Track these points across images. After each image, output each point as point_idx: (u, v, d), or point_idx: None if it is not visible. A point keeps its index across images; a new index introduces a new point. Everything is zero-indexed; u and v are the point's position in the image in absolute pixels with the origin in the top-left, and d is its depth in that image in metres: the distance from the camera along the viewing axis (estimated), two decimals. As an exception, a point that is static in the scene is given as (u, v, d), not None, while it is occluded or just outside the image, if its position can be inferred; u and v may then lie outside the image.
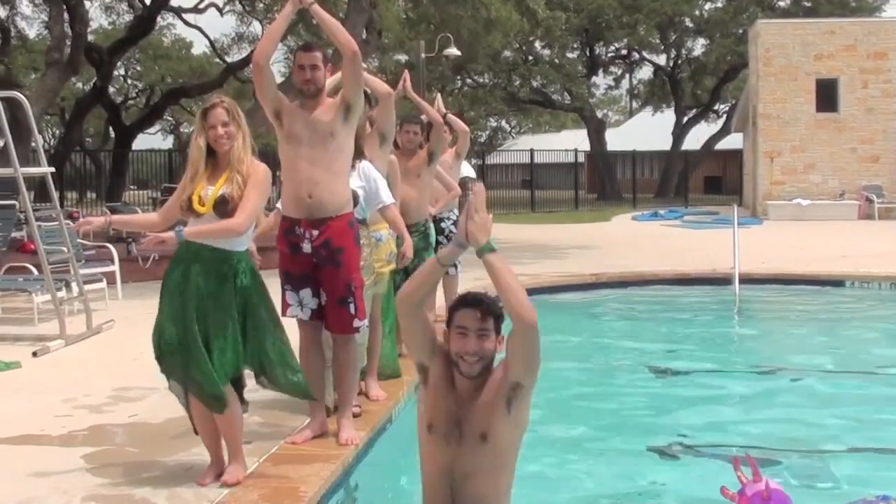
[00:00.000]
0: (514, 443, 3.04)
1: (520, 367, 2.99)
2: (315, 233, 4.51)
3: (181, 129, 52.69)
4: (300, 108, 4.58)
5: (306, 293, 4.59)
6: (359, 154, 4.97)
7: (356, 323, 4.62)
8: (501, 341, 3.06)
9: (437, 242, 7.25)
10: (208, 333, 3.94)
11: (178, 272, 4.02)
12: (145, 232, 4.32)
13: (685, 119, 41.18)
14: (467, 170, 8.53)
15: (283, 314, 4.46)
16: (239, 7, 29.36)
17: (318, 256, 4.53)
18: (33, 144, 11.00)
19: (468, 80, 38.66)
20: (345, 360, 4.68)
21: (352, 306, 4.59)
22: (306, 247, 4.53)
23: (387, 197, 5.23)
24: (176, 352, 3.99)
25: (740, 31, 33.62)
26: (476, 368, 3.01)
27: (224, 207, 3.98)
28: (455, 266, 8.00)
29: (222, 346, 3.95)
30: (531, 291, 10.27)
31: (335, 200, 4.51)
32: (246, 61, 26.13)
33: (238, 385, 4.13)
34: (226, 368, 3.96)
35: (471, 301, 3.11)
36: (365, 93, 4.88)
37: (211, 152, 4.10)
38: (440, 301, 8.18)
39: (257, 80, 4.55)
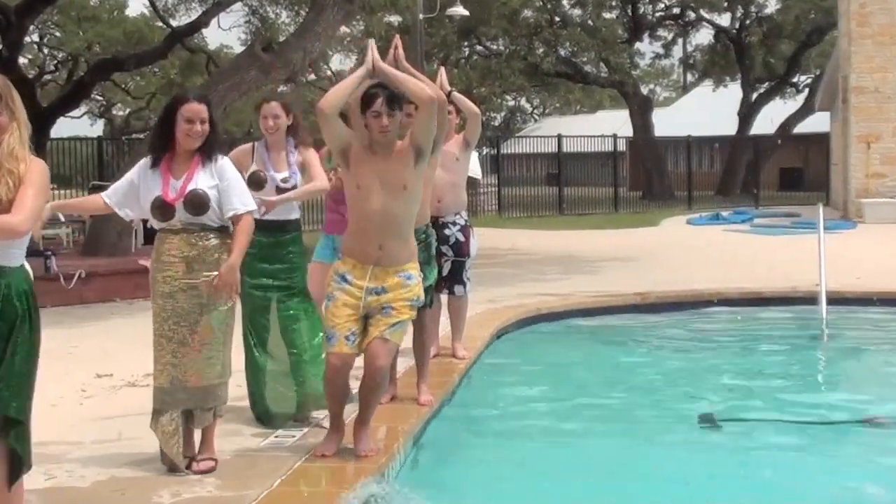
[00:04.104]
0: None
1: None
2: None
3: (114, 112, 52.83)
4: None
5: None
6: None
7: None
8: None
9: (440, 253, 7.25)
10: None
11: None
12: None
13: (755, 95, 41.25)
14: (475, 164, 8.49)
15: None
16: (187, -44, 29.51)
17: None
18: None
19: (478, 48, 38.77)
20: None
21: None
22: None
23: (241, 203, 5.36)
24: None
25: (826, -18, 33.77)
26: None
27: None
28: (463, 286, 8.01)
29: None
30: (557, 315, 10.48)
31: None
32: (197, 26, 26.18)
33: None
34: None
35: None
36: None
37: None
38: (444, 330, 8.18)
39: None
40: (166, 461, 5.38)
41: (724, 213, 27.00)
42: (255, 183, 6.30)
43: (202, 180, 5.31)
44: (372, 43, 5.59)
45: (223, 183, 5.34)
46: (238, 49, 31.75)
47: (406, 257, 5.55)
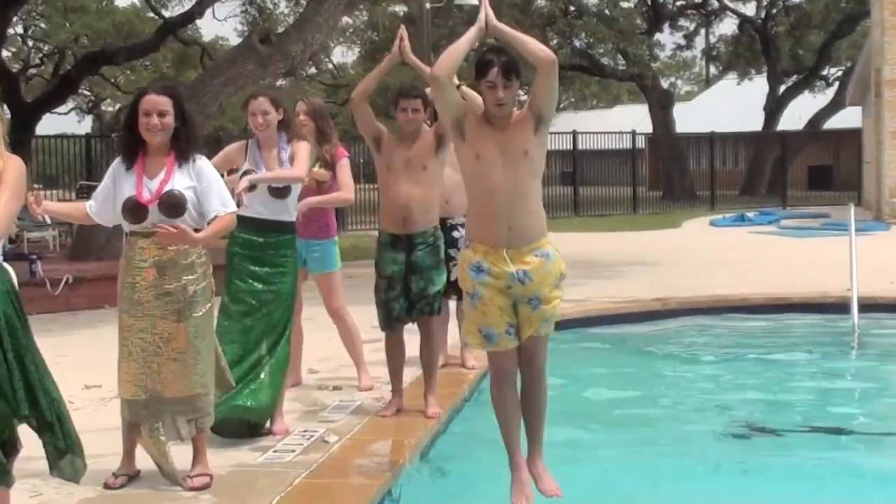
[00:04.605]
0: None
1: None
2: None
3: (103, 108, 52.91)
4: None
5: None
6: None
7: None
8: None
9: (448, 256, 7.27)
10: None
11: None
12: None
13: (782, 89, 41.21)
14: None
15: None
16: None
17: None
18: None
19: (488, 40, 38.73)
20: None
21: None
22: None
23: (222, 205, 5.38)
24: None
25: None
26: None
27: None
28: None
29: None
30: (574, 322, 10.49)
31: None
32: (190, 16, 26.24)
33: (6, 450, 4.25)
34: None
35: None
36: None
37: None
38: (453, 338, 8.19)
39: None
40: (166, 474, 5.39)
41: (750, 214, 26.98)
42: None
43: (179, 181, 5.30)
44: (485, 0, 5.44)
45: (202, 184, 5.33)
46: (234, 41, 31.91)
47: (539, 232, 5.28)
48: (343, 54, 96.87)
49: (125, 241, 5.43)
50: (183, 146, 5.35)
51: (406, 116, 6.70)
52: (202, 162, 5.42)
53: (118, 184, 5.37)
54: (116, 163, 5.45)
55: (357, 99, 6.68)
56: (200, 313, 5.36)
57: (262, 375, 6.33)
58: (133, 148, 5.37)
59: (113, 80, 42.44)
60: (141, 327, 5.30)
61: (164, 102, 5.30)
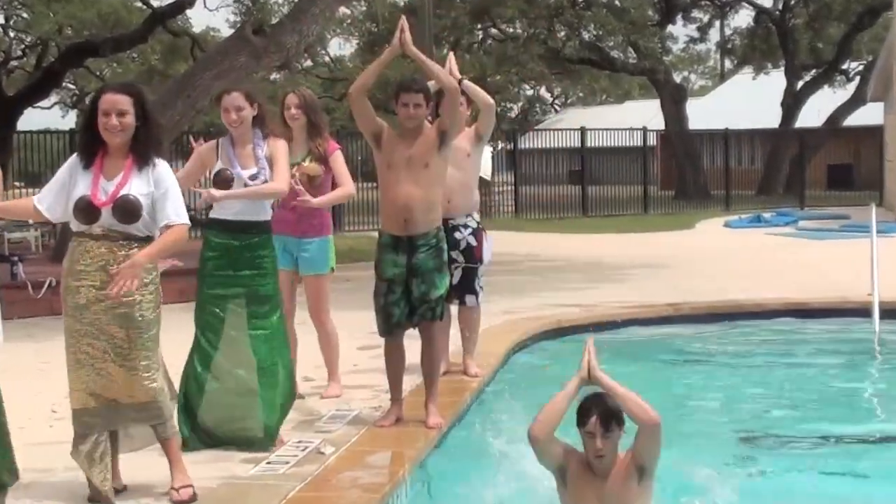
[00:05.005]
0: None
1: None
2: None
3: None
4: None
5: None
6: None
7: None
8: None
9: (450, 259, 7.26)
10: None
11: None
12: None
13: (800, 84, 41.16)
14: (486, 162, 8.50)
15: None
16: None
17: None
18: None
19: (493, 31, 38.79)
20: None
21: None
22: None
23: (175, 214, 5.30)
24: None
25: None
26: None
27: None
28: (476, 296, 8.02)
29: None
30: (582, 328, 10.47)
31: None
32: (180, 6, 26.24)
33: None
34: None
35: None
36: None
37: None
38: (455, 344, 8.18)
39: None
40: (93, 491, 5.31)
41: (766, 215, 26.98)
42: (222, 182, 6.31)
43: (136, 186, 5.24)
44: None
45: (159, 191, 5.27)
46: (226, 32, 31.82)
47: None
48: (340, 46, 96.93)
49: (72, 242, 5.35)
50: (142, 148, 5.29)
51: (407, 112, 6.64)
52: (162, 167, 5.34)
53: (74, 180, 5.31)
54: (74, 158, 5.39)
55: (355, 93, 6.67)
56: (148, 319, 5.29)
57: (261, 392, 6.35)
58: (92, 148, 5.32)
59: (98, 73, 42.31)
60: (87, 333, 5.23)
61: (124, 101, 5.24)
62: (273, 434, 6.36)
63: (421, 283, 6.70)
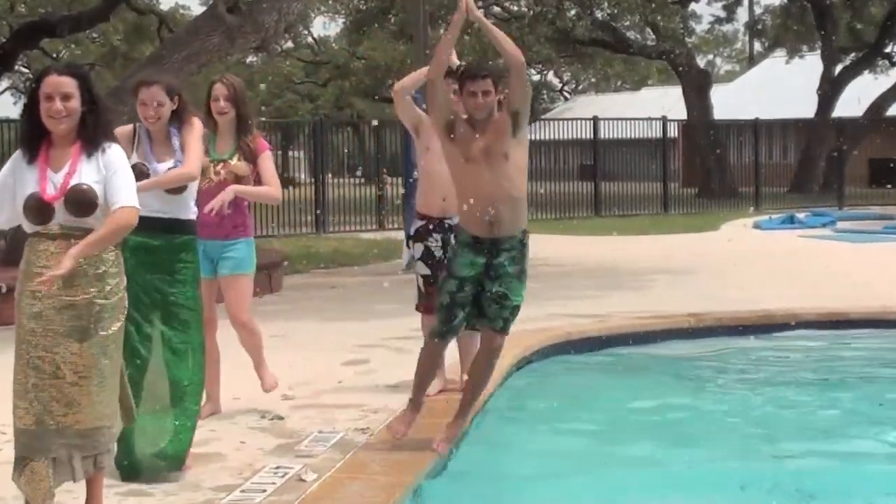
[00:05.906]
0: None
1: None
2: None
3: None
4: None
5: None
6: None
7: None
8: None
9: (445, 258, 7.28)
10: None
11: None
12: None
13: (838, 69, 41.18)
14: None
15: None
16: None
17: None
18: None
19: (496, 9, 38.83)
20: None
21: None
22: None
23: (126, 197, 5.26)
24: None
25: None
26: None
27: None
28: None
29: None
30: (594, 340, 10.46)
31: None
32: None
33: None
34: None
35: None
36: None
37: None
38: (452, 358, 8.18)
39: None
40: None
41: (800, 216, 26.98)
42: (138, 177, 6.28)
43: (87, 174, 5.22)
44: None
45: (110, 173, 5.24)
46: (197, 10, 31.89)
47: None
48: (325, 26, 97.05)
49: (27, 245, 5.32)
50: (90, 133, 5.26)
51: (476, 101, 6.65)
52: (112, 150, 5.32)
53: (19, 178, 5.27)
54: (17, 154, 5.35)
55: (437, 78, 6.82)
56: (108, 332, 5.26)
57: (172, 410, 6.33)
58: (36, 140, 5.29)
59: (55, 55, 42.40)
60: (38, 344, 5.18)
61: (69, 84, 5.21)
62: (183, 457, 6.34)
63: (498, 285, 6.69)
